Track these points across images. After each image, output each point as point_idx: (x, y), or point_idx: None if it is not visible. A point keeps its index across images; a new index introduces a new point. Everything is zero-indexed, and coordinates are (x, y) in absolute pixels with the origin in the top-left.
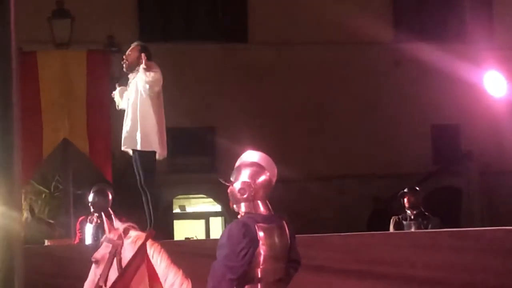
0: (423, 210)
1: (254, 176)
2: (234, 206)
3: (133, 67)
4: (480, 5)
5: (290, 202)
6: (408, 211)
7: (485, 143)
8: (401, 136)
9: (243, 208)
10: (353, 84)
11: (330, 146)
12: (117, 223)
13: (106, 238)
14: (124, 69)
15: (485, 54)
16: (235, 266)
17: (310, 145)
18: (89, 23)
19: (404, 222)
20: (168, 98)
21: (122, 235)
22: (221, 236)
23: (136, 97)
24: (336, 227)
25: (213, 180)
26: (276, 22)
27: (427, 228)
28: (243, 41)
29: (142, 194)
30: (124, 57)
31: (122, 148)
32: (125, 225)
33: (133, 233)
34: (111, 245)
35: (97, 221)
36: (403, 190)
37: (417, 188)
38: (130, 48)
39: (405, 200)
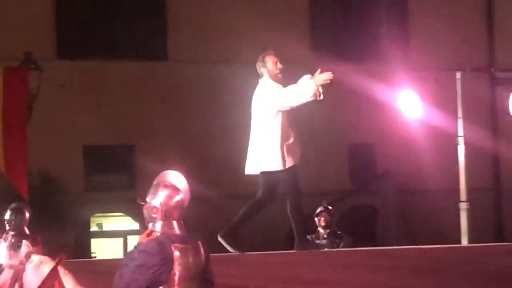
0: (335, 229)
1: (168, 197)
2: (149, 225)
3: None
4: (396, 27)
5: (208, 221)
6: (322, 230)
7: (401, 162)
8: (318, 155)
9: (158, 227)
10: None
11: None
12: (23, 247)
13: (8, 264)
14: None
15: (401, 74)
16: (141, 279)
17: (229, 163)
18: (5, 39)
19: (317, 241)
20: (88, 116)
21: (24, 260)
22: (132, 251)
23: None
24: (254, 245)
25: (132, 198)
26: (196, 40)
27: (339, 247)
28: (163, 59)
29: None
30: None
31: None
32: (27, 250)
33: (35, 258)
34: (12, 271)
35: (11, 240)
36: (318, 209)
37: (331, 208)
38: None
39: (321, 219)
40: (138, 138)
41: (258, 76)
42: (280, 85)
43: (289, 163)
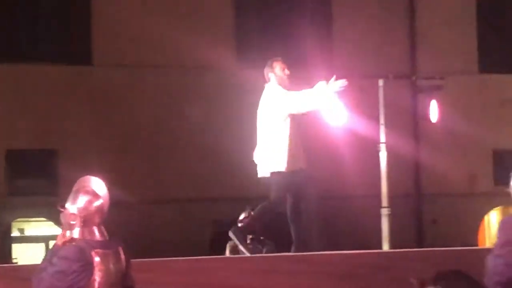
0: (258, 234)
1: (88, 202)
2: (68, 231)
3: None
4: (320, 33)
5: (132, 226)
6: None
7: (324, 169)
8: (244, 160)
9: (78, 233)
10: (199, 108)
11: (174, 169)
12: None
13: None
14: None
15: (325, 81)
16: (60, 286)
17: (154, 169)
18: None
19: (240, 247)
20: (10, 120)
21: None
22: (49, 255)
23: None
24: (179, 251)
25: (54, 203)
26: (122, 45)
27: (262, 253)
28: (88, 63)
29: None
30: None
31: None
32: None
33: None
34: None
35: None
36: (242, 215)
37: (254, 213)
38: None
39: (244, 225)
40: (61, 143)
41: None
42: (286, 91)
43: (295, 166)
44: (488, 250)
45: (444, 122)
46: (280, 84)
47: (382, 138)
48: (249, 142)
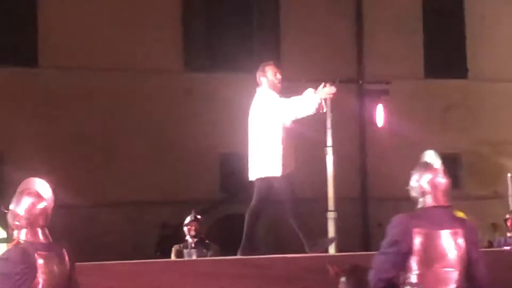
0: (203, 237)
1: (32, 204)
2: (14, 233)
3: None
4: (268, 37)
5: (77, 229)
6: (190, 240)
7: None
8: (190, 164)
9: (22, 235)
10: (144, 111)
11: (120, 172)
12: None
13: None
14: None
15: None
16: None
17: (99, 171)
18: None
19: (185, 251)
20: None
21: None
22: None
23: None
24: (125, 254)
25: None
26: (68, 47)
27: (207, 256)
28: (34, 65)
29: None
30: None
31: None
32: None
33: None
34: None
35: None
36: (187, 219)
37: (200, 217)
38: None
39: (191, 228)
40: (6, 146)
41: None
42: (278, 96)
43: (286, 169)
44: None
45: (390, 126)
46: (271, 88)
47: (329, 141)
48: (195, 145)
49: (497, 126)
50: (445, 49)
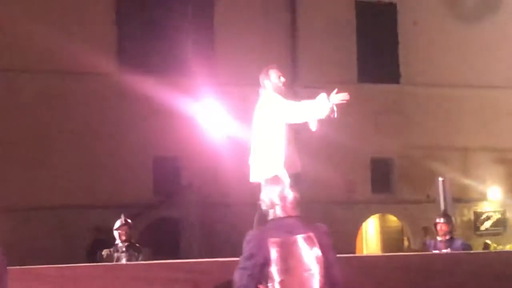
0: (134, 242)
1: None
2: None
3: None
4: (203, 41)
5: (7, 233)
6: (120, 244)
7: (205, 175)
8: (123, 167)
9: None
10: (77, 114)
11: (52, 175)
12: None
13: None
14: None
15: (207, 89)
16: None
17: (30, 175)
18: None
19: (115, 254)
20: None
21: None
22: None
23: None
24: (56, 258)
25: None
26: (0, 49)
27: (138, 260)
28: None
29: None
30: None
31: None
32: None
33: None
34: None
35: None
36: (118, 223)
37: (130, 221)
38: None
39: (121, 233)
40: None
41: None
42: (285, 99)
43: (290, 170)
44: (369, 257)
45: (323, 130)
46: (275, 91)
47: None
48: (129, 148)
49: (429, 130)
50: (378, 54)
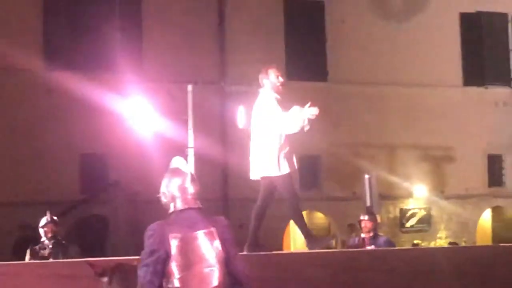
0: (60, 238)
1: None
2: None
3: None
4: (130, 37)
5: None
6: (47, 241)
7: (133, 172)
8: (50, 164)
9: None
10: (2, 110)
11: None
12: None
13: None
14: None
15: (134, 85)
16: None
17: None
18: None
19: (41, 252)
20: None
21: None
22: None
23: None
24: None
25: None
26: None
27: (64, 257)
28: None
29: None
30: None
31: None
32: None
33: None
34: None
35: None
36: (43, 220)
37: (56, 218)
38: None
39: (46, 230)
40: None
41: (260, 86)
42: (278, 105)
43: (286, 169)
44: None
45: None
46: (274, 90)
47: (191, 142)
48: (55, 145)
49: (356, 128)
50: (306, 52)
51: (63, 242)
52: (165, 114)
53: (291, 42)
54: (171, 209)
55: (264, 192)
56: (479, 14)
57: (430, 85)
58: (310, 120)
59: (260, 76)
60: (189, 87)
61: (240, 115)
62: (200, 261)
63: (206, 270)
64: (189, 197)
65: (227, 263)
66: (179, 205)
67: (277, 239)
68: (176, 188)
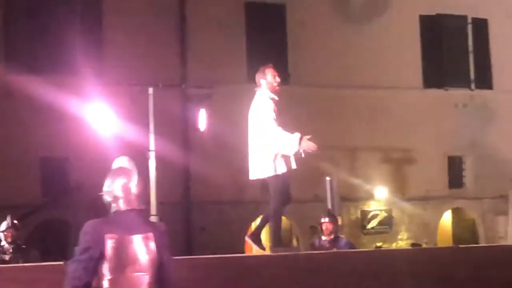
0: (20, 243)
1: None
2: None
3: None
4: (90, 40)
5: None
6: (7, 245)
7: (94, 176)
8: (10, 168)
9: None
10: None
11: None
12: None
13: None
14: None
15: (95, 88)
16: None
17: None
18: None
19: (2, 256)
20: None
21: None
22: None
23: None
24: None
25: None
26: None
27: (25, 261)
28: None
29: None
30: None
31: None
32: None
33: None
34: None
35: None
36: (2, 225)
37: (16, 222)
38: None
39: (6, 235)
40: None
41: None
42: (274, 105)
43: (282, 169)
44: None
45: (213, 130)
46: (270, 91)
47: (152, 146)
48: (15, 149)
49: (318, 130)
50: (267, 55)
51: (23, 246)
52: (126, 117)
53: (252, 44)
54: (113, 209)
55: (284, 189)
56: (438, 16)
57: (390, 88)
58: (306, 152)
59: (257, 76)
60: (150, 90)
61: (201, 118)
62: (133, 265)
63: (138, 274)
64: (132, 198)
65: (159, 269)
66: (122, 205)
67: (240, 242)
68: (119, 188)
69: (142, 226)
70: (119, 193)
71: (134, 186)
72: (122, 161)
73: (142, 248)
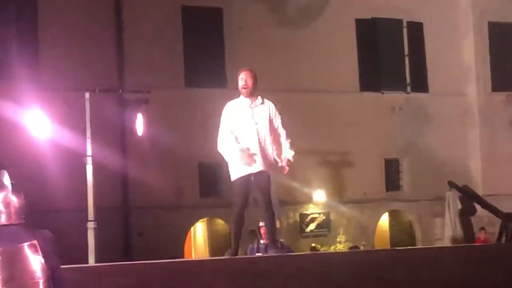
0: None
1: None
2: None
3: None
4: (25, 44)
5: None
6: None
7: (30, 181)
8: None
9: None
10: None
11: None
12: None
13: None
14: (245, 96)
15: (29, 93)
16: None
17: None
18: None
19: None
20: None
21: None
22: None
23: (265, 123)
24: None
25: None
26: None
27: None
28: None
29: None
30: (246, 84)
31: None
32: None
33: None
34: None
35: None
36: None
37: None
38: (248, 74)
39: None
40: None
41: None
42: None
43: (243, 171)
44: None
45: (151, 135)
46: (240, 92)
47: (89, 151)
48: None
49: None
50: (205, 59)
51: None
52: (62, 123)
53: (190, 49)
54: None
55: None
56: (374, 20)
57: (327, 91)
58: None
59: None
60: (87, 95)
61: (139, 122)
62: (24, 273)
63: (30, 282)
64: (13, 211)
65: (51, 275)
66: (3, 219)
67: (179, 247)
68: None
69: (26, 235)
70: (0, 207)
71: (14, 199)
72: (1, 175)
73: (31, 256)
